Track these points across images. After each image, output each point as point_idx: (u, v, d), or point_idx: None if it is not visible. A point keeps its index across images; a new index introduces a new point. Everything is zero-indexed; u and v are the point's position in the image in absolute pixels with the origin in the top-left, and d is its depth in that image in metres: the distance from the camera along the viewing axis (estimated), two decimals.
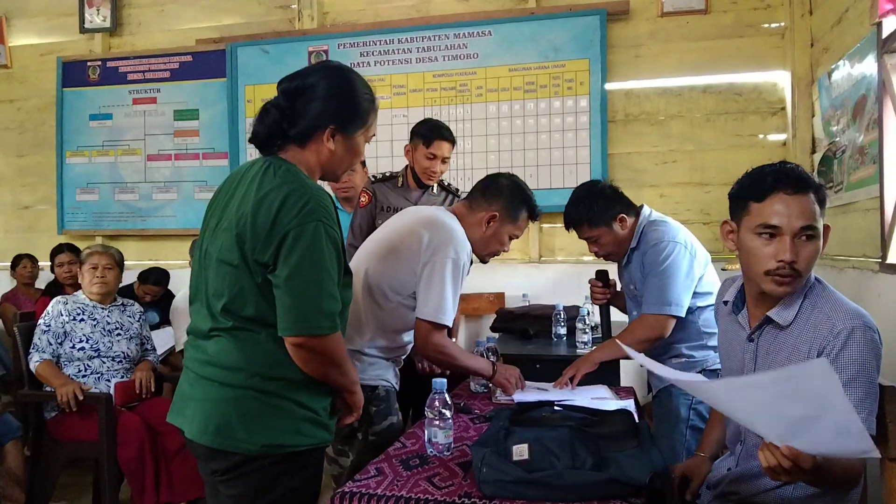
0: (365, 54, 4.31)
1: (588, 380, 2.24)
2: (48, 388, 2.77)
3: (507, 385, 2.09)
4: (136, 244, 4.75)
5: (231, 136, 4.48)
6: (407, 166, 3.01)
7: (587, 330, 2.66)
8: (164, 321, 3.95)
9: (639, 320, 2.27)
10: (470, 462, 1.48)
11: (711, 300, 2.18)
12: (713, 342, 2.16)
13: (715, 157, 3.91)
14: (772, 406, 1.06)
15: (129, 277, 3.45)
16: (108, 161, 4.77)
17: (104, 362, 2.88)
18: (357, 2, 4.46)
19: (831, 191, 3.12)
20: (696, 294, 2.25)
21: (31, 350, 2.82)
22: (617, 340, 2.22)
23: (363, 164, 3.37)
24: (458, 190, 3.09)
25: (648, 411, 2.58)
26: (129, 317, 3.05)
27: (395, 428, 1.98)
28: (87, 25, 4.83)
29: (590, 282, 2.57)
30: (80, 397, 2.68)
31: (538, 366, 2.48)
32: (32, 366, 2.79)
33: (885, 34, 2.56)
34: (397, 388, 2.06)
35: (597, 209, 2.27)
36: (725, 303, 1.63)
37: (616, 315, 2.64)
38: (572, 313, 2.87)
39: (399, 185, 2.97)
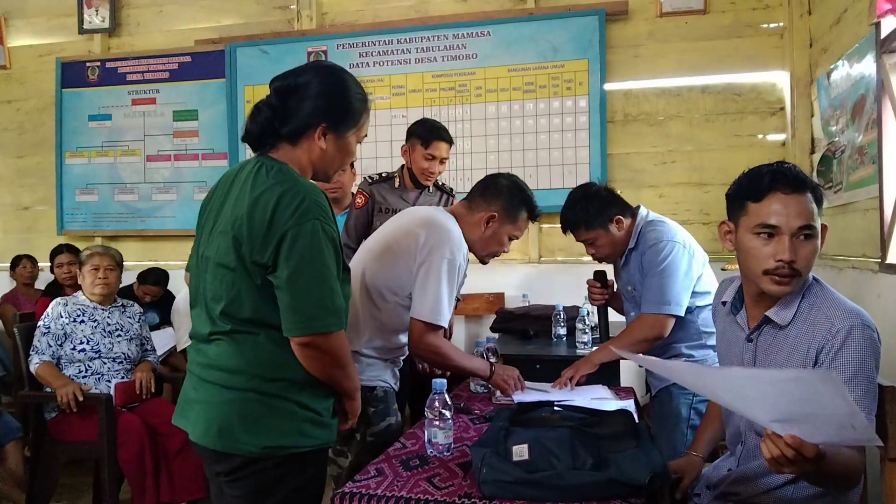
0: (364, 55, 4.32)
1: (588, 380, 2.24)
2: (48, 389, 2.77)
3: (505, 386, 2.08)
4: (136, 245, 4.75)
5: (230, 137, 4.48)
6: (403, 166, 3.01)
7: (587, 330, 2.67)
8: (164, 322, 3.95)
9: (638, 320, 2.27)
10: (470, 462, 1.48)
11: (710, 300, 2.18)
12: (712, 341, 2.16)
13: (714, 158, 3.92)
14: (775, 397, 1.06)
15: (128, 278, 3.44)
16: (107, 162, 4.77)
17: (105, 363, 2.88)
18: (356, 2, 4.46)
19: (830, 191, 3.12)
20: (694, 293, 2.25)
21: (30, 352, 2.82)
22: (610, 346, 2.23)
23: (351, 164, 3.36)
24: (452, 189, 3.10)
25: (647, 412, 2.58)
26: (130, 318, 3.05)
27: (394, 429, 1.98)
28: (86, 26, 4.83)
29: (588, 282, 2.57)
30: (81, 398, 2.68)
31: (538, 366, 2.48)
32: (32, 368, 2.79)
33: (883, 34, 2.57)
34: (396, 388, 2.06)
35: (592, 211, 2.28)
36: (724, 303, 1.63)
37: (614, 315, 2.65)
38: (572, 313, 2.87)
39: (396, 185, 2.97)
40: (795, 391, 1.04)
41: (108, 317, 2.97)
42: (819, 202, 1.40)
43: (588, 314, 2.70)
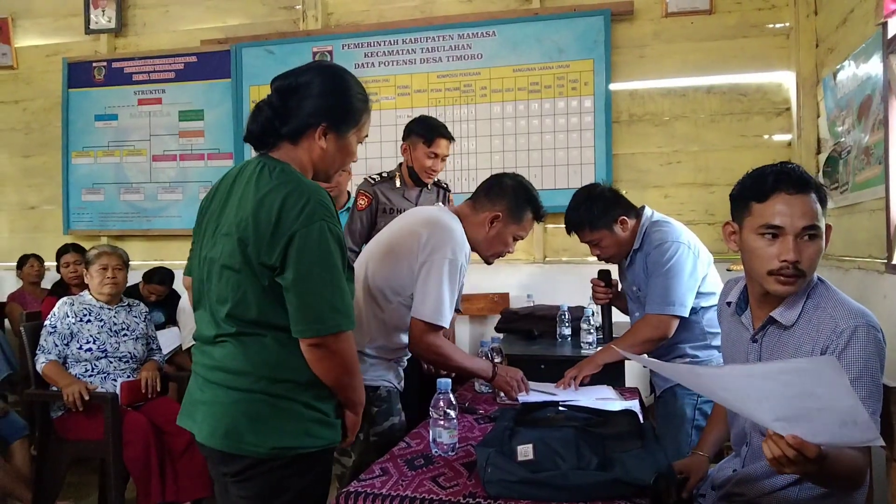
0: (369, 55, 4.32)
1: (592, 380, 2.24)
2: (54, 388, 2.78)
3: (508, 388, 2.07)
4: (142, 244, 4.77)
5: (236, 137, 4.50)
6: (401, 165, 3.01)
7: (592, 330, 2.66)
8: (169, 321, 3.97)
9: (642, 320, 2.27)
10: (475, 462, 1.48)
11: (715, 300, 2.18)
12: (717, 342, 2.16)
13: (719, 158, 3.91)
14: (777, 395, 1.06)
15: (133, 278, 3.46)
16: (113, 161, 4.78)
17: (111, 362, 2.89)
18: (361, 2, 4.46)
19: (837, 191, 3.11)
20: (699, 294, 2.25)
21: (37, 351, 2.83)
22: (613, 346, 2.23)
23: None
24: (448, 185, 3.11)
25: (652, 412, 2.58)
26: (135, 317, 3.06)
27: (397, 428, 1.98)
28: (92, 26, 4.84)
29: (592, 281, 2.57)
30: (86, 397, 2.69)
31: (543, 366, 2.49)
32: (39, 367, 2.80)
33: (890, 34, 2.56)
34: (400, 388, 2.06)
35: (597, 212, 2.28)
36: (728, 304, 1.63)
37: (617, 316, 2.65)
38: (577, 314, 2.87)
39: (398, 184, 2.97)
40: (797, 384, 1.04)
41: (115, 316, 2.98)
42: (823, 202, 1.40)
43: (593, 314, 2.70)
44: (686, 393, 2.23)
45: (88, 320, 2.90)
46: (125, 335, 2.97)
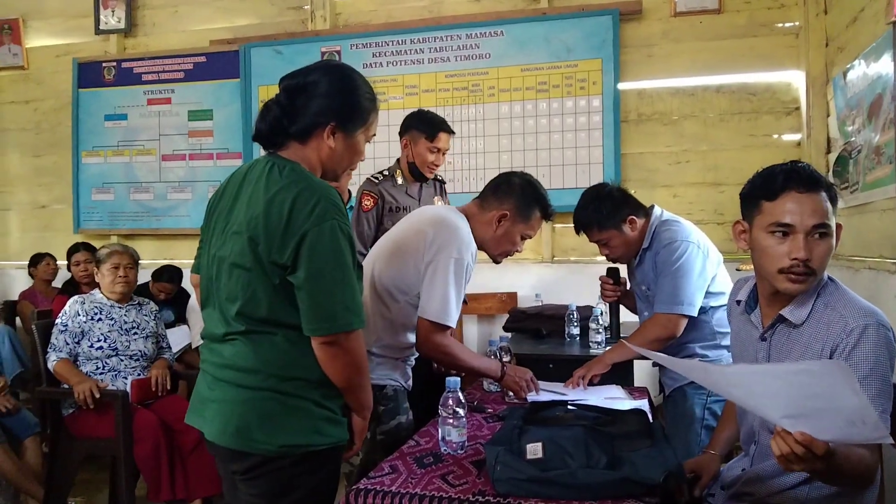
0: (377, 55, 4.33)
1: (601, 380, 2.24)
2: (65, 386, 2.80)
3: (517, 388, 2.06)
4: (151, 243, 4.80)
5: (245, 137, 4.52)
6: (398, 161, 3.01)
7: (600, 330, 2.66)
8: (179, 319, 3.99)
9: (651, 320, 2.27)
10: (484, 460, 1.49)
11: (724, 300, 2.17)
12: (727, 342, 2.16)
13: (729, 157, 3.90)
14: (785, 394, 1.06)
15: (142, 276, 3.48)
16: (123, 161, 4.81)
17: (122, 360, 2.91)
18: (369, 2, 4.47)
19: (847, 191, 3.10)
20: (709, 294, 2.25)
21: (48, 349, 2.85)
22: (625, 342, 2.22)
23: None
24: (443, 178, 3.14)
25: (661, 412, 2.57)
26: (146, 315, 3.07)
27: (404, 427, 1.99)
28: (102, 27, 4.88)
29: (600, 279, 2.57)
30: (97, 395, 2.71)
31: (551, 365, 2.48)
32: (50, 365, 2.82)
33: None
34: (407, 387, 2.07)
35: (605, 212, 2.28)
36: (738, 302, 1.63)
37: (626, 316, 2.64)
38: (585, 313, 2.87)
39: (399, 181, 2.97)
40: (805, 384, 1.04)
41: (125, 315, 3.00)
42: (834, 201, 1.40)
43: (601, 314, 2.69)
44: (696, 392, 2.23)
45: (99, 319, 2.92)
46: (135, 333, 2.98)
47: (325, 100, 1.45)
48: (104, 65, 4.82)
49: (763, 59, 3.84)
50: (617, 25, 3.94)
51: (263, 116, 1.49)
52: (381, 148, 4.21)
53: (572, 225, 2.40)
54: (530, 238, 2.11)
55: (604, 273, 2.59)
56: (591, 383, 2.21)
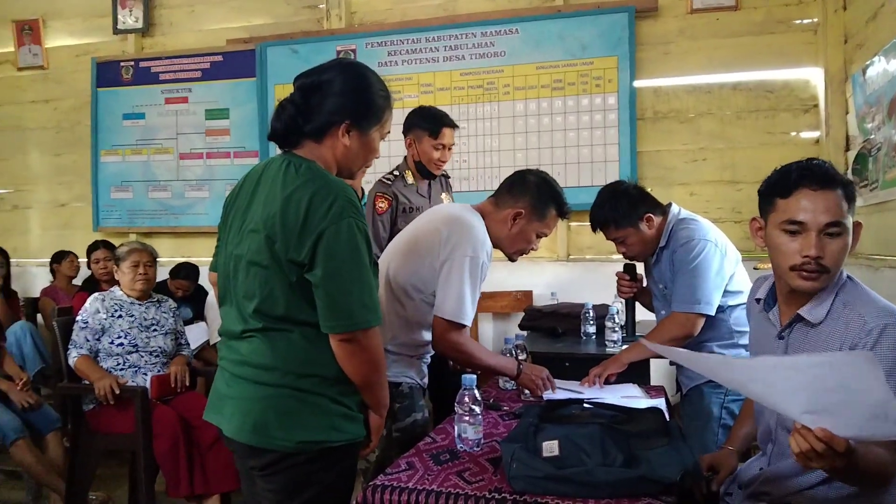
0: (392, 53, 4.34)
1: (618, 379, 2.23)
2: (86, 382, 2.83)
3: (533, 386, 2.06)
4: (169, 241, 4.84)
5: (261, 135, 4.54)
6: (405, 160, 3.00)
7: (616, 329, 2.64)
8: (197, 316, 4.02)
9: (668, 318, 2.27)
10: (500, 458, 1.49)
11: (742, 299, 2.16)
12: (744, 341, 2.15)
13: (746, 155, 3.87)
14: (806, 388, 1.05)
15: (161, 274, 3.51)
16: (141, 160, 4.86)
17: (142, 356, 2.95)
18: (384, 1, 4.48)
19: (866, 189, 3.07)
20: (726, 293, 2.24)
21: (69, 346, 2.89)
22: (643, 340, 2.22)
23: None
24: (447, 174, 3.14)
25: (678, 410, 2.57)
26: (165, 313, 3.11)
27: (419, 424, 2.00)
28: (120, 26, 4.92)
29: (617, 274, 2.57)
30: (117, 391, 2.74)
31: (567, 364, 2.48)
32: (71, 361, 2.86)
33: None
34: (423, 384, 2.08)
35: (622, 210, 2.27)
36: (758, 301, 1.63)
37: (642, 315, 2.63)
38: (601, 312, 2.86)
39: (409, 181, 2.97)
40: (827, 377, 1.03)
41: (145, 312, 3.03)
42: (851, 199, 1.39)
43: (618, 312, 2.68)
44: (713, 391, 2.22)
45: (120, 315, 2.96)
46: (155, 330, 3.02)
47: (339, 98, 1.46)
48: (122, 64, 4.86)
49: (781, 56, 3.80)
50: (633, 23, 3.92)
51: (279, 115, 1.50)
52: (397, 146, 4.22)
53: (588, 223, 2.40)
54: (546, 236, 2.10)
55: (620, 270, 2.58)
56: (607, 382, 2.20)
